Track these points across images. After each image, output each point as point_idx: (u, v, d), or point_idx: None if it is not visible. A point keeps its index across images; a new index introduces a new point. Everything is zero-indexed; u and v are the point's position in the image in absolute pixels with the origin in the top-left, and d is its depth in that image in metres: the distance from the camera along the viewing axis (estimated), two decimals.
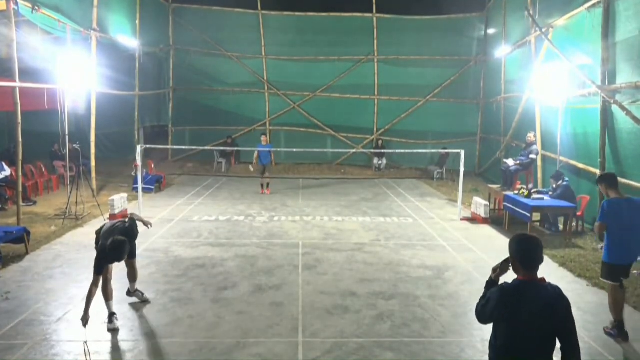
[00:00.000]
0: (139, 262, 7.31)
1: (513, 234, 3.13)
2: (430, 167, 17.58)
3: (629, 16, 8.44)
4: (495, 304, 2.73)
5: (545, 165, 12.08)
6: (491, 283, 2.94)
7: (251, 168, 14.47)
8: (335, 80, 18.76)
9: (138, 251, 7.82)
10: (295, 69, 18.84)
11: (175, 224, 9.71)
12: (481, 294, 2.93)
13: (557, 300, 2.70)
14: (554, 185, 9.65)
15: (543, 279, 2.76)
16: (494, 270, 2.97)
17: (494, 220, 10.35)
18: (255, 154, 13.35)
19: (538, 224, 9.95)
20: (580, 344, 4.79)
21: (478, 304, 2.89)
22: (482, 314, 2.85)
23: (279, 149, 17.93)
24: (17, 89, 8.59)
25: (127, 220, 5.52)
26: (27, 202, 10.75)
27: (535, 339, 2.69)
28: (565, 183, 9.45)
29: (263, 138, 13.51)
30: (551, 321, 2.67)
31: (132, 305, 5.76)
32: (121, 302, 5.79)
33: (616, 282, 5.12)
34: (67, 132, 10.36)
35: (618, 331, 5.11)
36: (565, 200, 9.21)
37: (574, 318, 2.72)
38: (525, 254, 2.77)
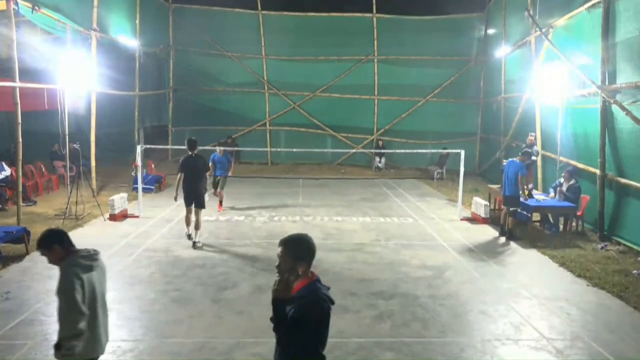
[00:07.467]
0: (139, 261, 7.36)
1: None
2: (430, 167, 17.57)
3: (629, 16, 8.44)
4: (328, 317, 2.64)
5: (546, 165, 12.07)
6: (281, 303, 2.68)
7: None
8: (335, 81, 18.77)
9: (138, 250, 7.90)
10: (295, 69, 18.85)
11: (175, 224, 9.70)
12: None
13: None
14: (562, 180, 9.59)
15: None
16: (280, 289, 2.69)
17: (494, 220, 10.33)
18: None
19: (538, 224, 9.95)
20: (580, 344, 4.92)
21: (300, 330, 2.58)
22: (318, 337, 2.64)
23: (278, 149, 17.90)
24: (17, 89, 8.59)
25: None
26: (27, 202, 10.74)
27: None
28: (577, 185, 9.38)
29: (219, 150, 11.45)
30: None
31: (132, 305, 5.76)
32: (121, 302, 5.80)
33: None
34: (67, 132, 10.35)
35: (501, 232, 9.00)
36: (570, 201, 9.20)
37: None
38: (311, 251, 2.71)
